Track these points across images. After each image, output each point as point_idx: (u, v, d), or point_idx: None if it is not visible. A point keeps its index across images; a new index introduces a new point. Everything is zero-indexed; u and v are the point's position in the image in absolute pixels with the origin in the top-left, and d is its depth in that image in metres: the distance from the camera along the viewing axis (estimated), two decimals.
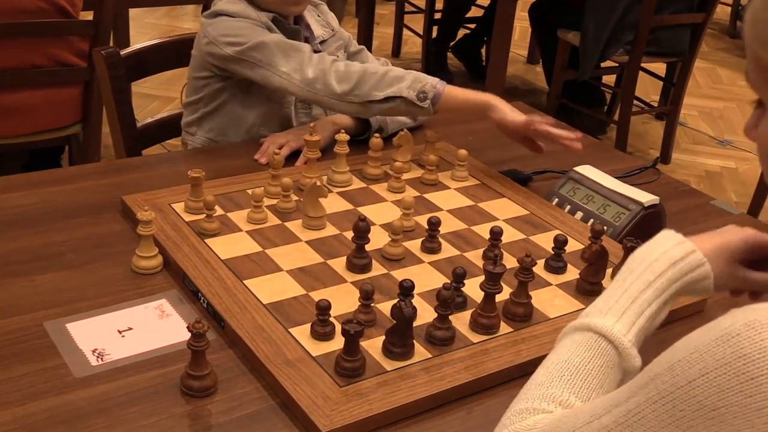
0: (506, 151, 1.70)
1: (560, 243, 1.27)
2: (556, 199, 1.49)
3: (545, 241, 1.34)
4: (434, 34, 4.54)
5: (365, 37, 4.38)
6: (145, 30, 4.87)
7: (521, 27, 4.65)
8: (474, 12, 4.55)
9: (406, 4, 4.76)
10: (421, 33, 4.56)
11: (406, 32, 4.83)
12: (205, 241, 1.25)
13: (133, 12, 3.88)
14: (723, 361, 0.61)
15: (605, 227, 1.36)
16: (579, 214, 1.45)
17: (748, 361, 0.60)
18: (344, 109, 1.52)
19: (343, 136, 1.46)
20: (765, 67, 0.75)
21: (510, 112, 1.52)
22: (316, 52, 1.61)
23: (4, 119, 2.37)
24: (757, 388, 0.59)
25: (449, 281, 1.08)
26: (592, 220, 1.43)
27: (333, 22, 1.76)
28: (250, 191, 1.38)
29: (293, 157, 1.56)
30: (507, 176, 1.57)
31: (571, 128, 1.57)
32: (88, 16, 2.43)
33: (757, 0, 0.76)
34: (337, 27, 1.77)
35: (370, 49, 4.41)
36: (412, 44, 4.99)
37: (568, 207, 1.47)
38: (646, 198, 1.41)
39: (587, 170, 1.51)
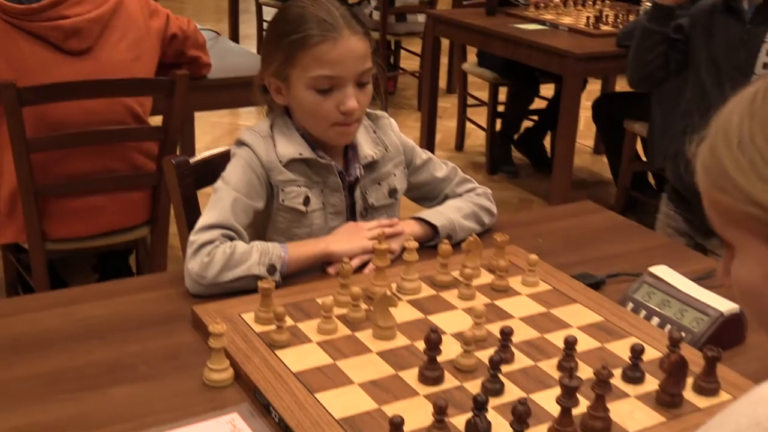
0: (577, 254, 1.71)
1: (637, 352, 1.26)
2: (631, 304, 1.48)
3: (621, 349, 1.34)
4: (497, 126, 4.60)
5: (428, 131, 4.46)
6: (208, 129, 5.04)
7: (586, 117, 4.68)
8: (537, 104, 4.61)
9: (468, 97, 4.85)
10: (485, 126, 4.63)
11: (469, 125, 4.91)
12: (276, 352, 1.28)
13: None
14: (756, 419, 0.62)
15: (683, 333, 1.35)
16: (655, 320, 1.44)
17: None
18: (200, 291, 1.49)
19: (412, 244, 1.49)
20: (724, 211, 0.78)
21: (345, 253, 1.56)
22: (351, 185, 1.67)
23: (75, 220, 2.47)
24: None
25: (524, 396, 1.08)
26: (668, 326, 1.42)
27: (391, 137, 1.76)
28: (319, 300, 1.41)
29: (362, 264, 1.59)
30: (579, 280, 1.57)
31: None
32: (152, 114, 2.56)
33: (704, 148, 0.79)
34: (396, 142, 1.76)
35: (432, 144, 4.51)
36: (476, 137, 5.06)
37: (644, 312, 1.46)
38: (726, 306, 1.39)
39: (663, 272, 1.50)
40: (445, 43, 4.75)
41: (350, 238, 1.60)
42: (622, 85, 5.03)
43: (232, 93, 2.80)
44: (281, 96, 1.66)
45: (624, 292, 1.52)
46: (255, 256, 1.49)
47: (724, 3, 2.42)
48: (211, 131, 5.02)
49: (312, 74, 1.58)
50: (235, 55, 3.25)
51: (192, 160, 1.80)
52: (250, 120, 5.11)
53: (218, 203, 1.57)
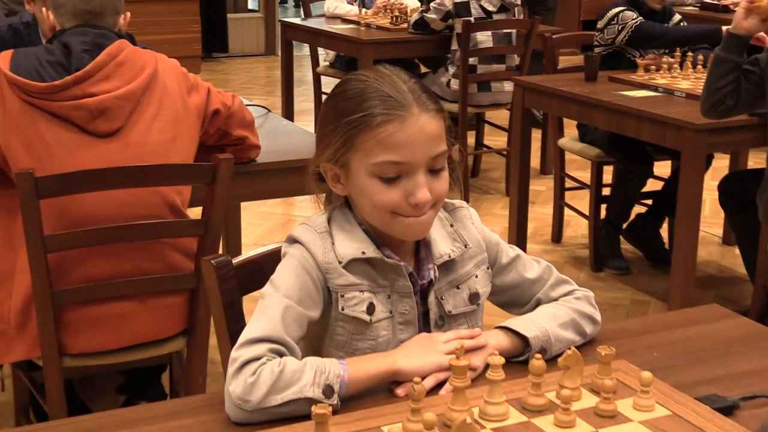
0: (702, 370, 1.67)
1: None
2: None
3: None
4: (603, 214, 4.58)
5: (518, 221, 4.46)
6: (258, 220, 5.13)
7: (712, 200, 4.63)
8: (651, 185, 4.59)
9: (566, 178, 4.85)
10: (587, 213, 4.61)
11: (567, 213, 4.90)
12: None
13: None
14: None
15: None
16: None
17: None
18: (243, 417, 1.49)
19: (498, 359, 1.48)
20: None
21: (416, 371, 1.54)
22: (424, 290, 1.68)
23: (98, 331, 2.50)
24: None
25: None
26: None
27: (471, 231, 1.76)
28: (386, 429, 1.39)
29: (437, 384, 1.58)
30: (705, 404, 1.53)
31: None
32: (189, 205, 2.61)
33: None
34: (477, 237, 1.76)
35: (523, 236, 4.50)
36: (576, 226, 5.04)
37: None
38: None
39: None
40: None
41: (423, 353, 1.59)
42: (756, 160, 4.99)
43: (285, 179, 2.86)
44: (340, 185, 1.68)
45: (763, 418, 1.48)
46: (308, 375, 1.49)
47: None
48: (259, 224, 5.11)
49: (375, 160, 1.61)
50: (288, 134, 3.32)
51: (236, 260, 1.82)
52: (305, 211, 5.19)
53: (266, 312, 1.58)
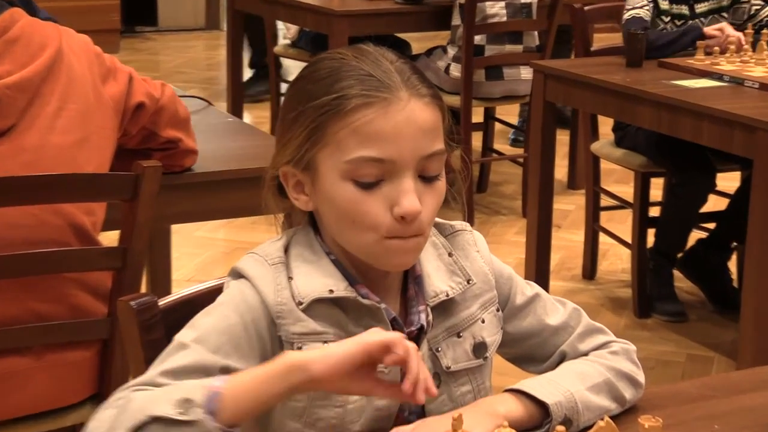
0: None
1: None
2: None
3: None
4: (651, 241, 4.58)
5: (538, 250, 4.46)
6: (193, 249, 5.13)
7: None
8: (713, 203, 4.60)
9: (602, 195, 4.86)
10: (629, 240, 4.62)
11: (604, 239, 4.91)
12: None
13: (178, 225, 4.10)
14: None
15: None
16: None
17: None
18: None
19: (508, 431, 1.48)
20: None
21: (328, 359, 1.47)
22: (413, 338, 1.65)
23: None
24: None
25: None
26: None
27: (476, 261, 1.76)
28: None
29: None
30: None
31: None
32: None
33: None
34: (484, 269, 1.76)
35: (545, 271, 4.49)
36: (615, 258, 5.05)
37: None
38: None
39: None
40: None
41: None
42: None
43: (231, 195, 2.87)
44: (303, 196, 1.68)
45: None
46: (160, 393, 1.48)
47: None
48: (196, 254, 5.11)
49: (349, 156, 1.60)
50: (235, 135, 3.33)
51: (163, 302, 1.82)
52: (258, 236, 5.17)
53: (162, 363, 1.57)
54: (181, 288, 1.89)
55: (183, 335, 1.61)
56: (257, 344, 1.62)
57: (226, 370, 1.57)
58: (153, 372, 1.56)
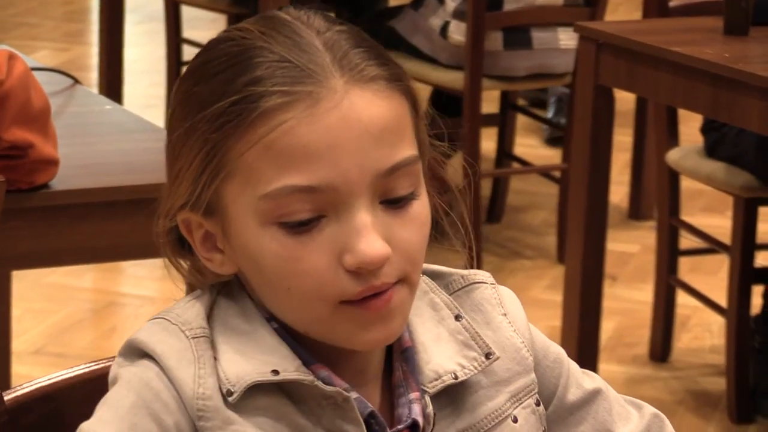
0: None
1: None
2: None
3: None
4: (758, 303, 4.62)
5: (582, 314, 4.49)
6: (45, 302, 5.13)
7: None
8: None
9: (682, 230, 4.90)
10: (723, 303, 4.66)
11: (684, 299, 4.95)
12: None
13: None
14: None
15: None
16: None
17: None
18: None
19: None
20: None
21: None
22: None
23: None
24: None
25: None
26: None
27: (503, 329, 1.76)
28: None
29: None
30: None
31: None
32: None
33: None
34: (514, 341, 1.76)
35: (593, 349, 4.51)
36: (701, 329, 5.11)
37: None
38: None
39: None
40: (625, 98, 4.86)
41: None
42: None
43: (107, 225, 2.88)
44: (217, 255, 1.68)
45: None
46: None
47: None
48: (49, 311, 5.12)
49: (267, 188, 1.59)
50: (116, 130, 3.34)
51: (8, 397, 1.83)
52: (147, 284, 5.20)
53: None
54: (25, 365, 1.90)
55: None
56: None
57: None
58: None
